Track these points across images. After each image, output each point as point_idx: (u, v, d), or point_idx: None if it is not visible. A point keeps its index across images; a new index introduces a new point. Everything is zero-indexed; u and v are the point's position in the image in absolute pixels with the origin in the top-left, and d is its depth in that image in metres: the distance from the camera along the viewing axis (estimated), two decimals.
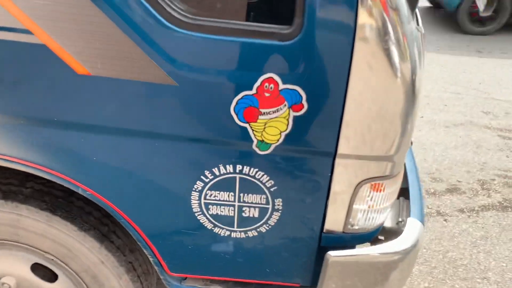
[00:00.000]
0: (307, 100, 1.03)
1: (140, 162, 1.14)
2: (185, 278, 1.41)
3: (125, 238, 1.47)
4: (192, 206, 1.20)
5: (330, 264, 1.20)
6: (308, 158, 1.11)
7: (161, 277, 1.40)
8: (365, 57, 0.99)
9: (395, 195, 1.30)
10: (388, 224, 1.45)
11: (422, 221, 1.35)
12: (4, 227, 1.36)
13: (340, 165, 1.12)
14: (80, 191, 1.20)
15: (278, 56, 0.99)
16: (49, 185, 1.39)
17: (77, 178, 1.18)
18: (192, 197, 1.18)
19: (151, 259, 1.34)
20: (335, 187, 1.15)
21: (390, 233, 1.41)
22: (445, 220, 2.73)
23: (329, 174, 1.13)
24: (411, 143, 2.00)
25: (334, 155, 1.11)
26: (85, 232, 1.37)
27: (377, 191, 1.19)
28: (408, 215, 1.38)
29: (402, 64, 1.02)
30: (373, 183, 1.17)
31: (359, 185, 1.16)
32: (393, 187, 1.23)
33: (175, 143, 1.10)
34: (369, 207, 1.21)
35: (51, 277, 1.47)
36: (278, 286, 1.39)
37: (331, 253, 1.19)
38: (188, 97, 1.04)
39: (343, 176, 1.14)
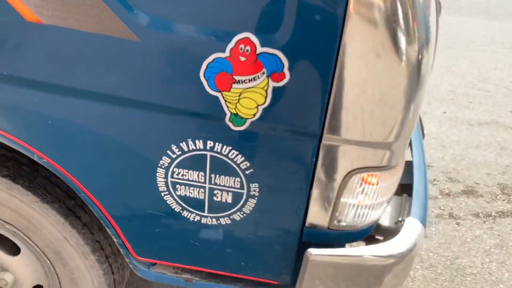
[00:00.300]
0: (290, 69, 0.86)
1: (99, 129, 1.00)
2: (154, 264, 1.28)
3: (94, 215, 1.35)
4: (158, 185, 1.06)
5: (310, 263, 1.04)
6: (289, 138, 0.95)
7: (127, 260, 1.27)
8: (361, 24, 0.81)
9: (392, 190, 1.13)
10: (386, 222, 1.28)
11: (424, 222, 1.17)
12: None
13: (326, 149, 0.95)
14: (35, 158, 1.07)
15: (256, 11, 0.83)
16: (14, 151, 1.27)
17: (32, 144, 1.05)
18: (157, 174, 1.04)
19: (115, 240, 1.21)
20: (320, 175, 0.99)
21: (388, 233, 1.24)
22: (458, 223, 2.52)
23: (313, 160, 0.97)
24: (423, 135, 1.81)
25: (319, 138, 0.94)
26: (47, 205, 1.24)
27: (370, 184, 1.02)
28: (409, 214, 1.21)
29: (407, 38, 0.84)
30: (366, 174, 1.00)
31: (348, 175, 0.99)
32: (390, 180, 1.06)
33: (137, 110, 0.95)
34: (360, 201, 1.05)
35: (14, 250, 1.36)
36: (256, 282, 1.24)
37: (312, 251, 1.03)
38: (151, 55, 0.89)
39: (330, 163, 0.97)
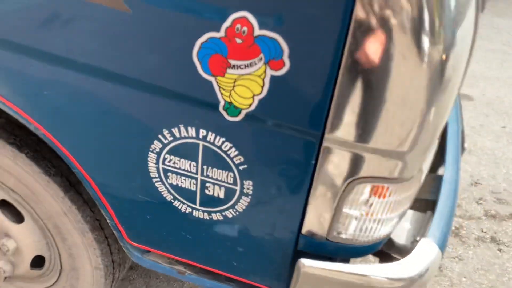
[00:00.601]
0: (290, 57, 0.76)
1: (91, 103, 0.95)
2: (148, 252, 1.23)
3: None
4: (150, 170, 1.00)
5: (302, 274, 0.94)
6: (287, 135, 0.85)
7: (121, 244, 1.23)
8: (375, 7, 0.70)
9: (405, 206, 1.00)
10: (402, 240, 1.15)
11: (442, 245, 1.03)
12: None
13: (327, 152, 0.84)
14: (32, 128, 1.05)
15: None
16: None
17: (29, 113, 1.02)
18: (149, 158, 0.98)
19: (108, 222, 1.17)
20: (319, 179, 0.88)
21: (403, 252, 1.12)
22: (500, 250, 2.29)
23: (313, 162, 0.87)
24: (463, 149, 1.63)
25: (320, 138, 0.83)
26: (49, 177, 1.23)
27: (377, 196, 0.90)
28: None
29: (428, 32, 0.71)
30: (372, 184, 0.88)
31: (352, 183, 0.88)
32: (402, 195, 0.93)
33: (128, 87, 0.89)
34: (364, 214, 0.93)
35: (19, 218, 1.37)
36: (249, 285, 1.16)
37: (304, 262, 0.93)
38: (142, 29, 0.82)
39: (331, 168, 0.86)
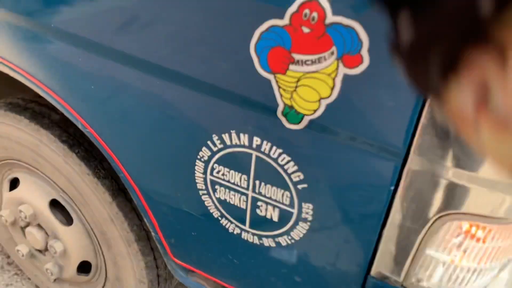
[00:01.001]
0: (370, 51, 0.60)
1: (137, 101, 0.85)
2: (193, 272, 1.11)
3: None
4: (196, 181, 0.87)
5: None
6: (360, 152, 0.68)
7: (164, 259, 1.12)
8: None
9: (510, 254, 0.77)
10: None
11: None
12: (26, 149, 1.23)
13: (411, 176, 0.66)
14: (80, 126, 0.97)
15: None
16: None
17: (77, 109, 0.95)
18: (196, 167, 0.85)
19: (152, 234, 1.06)
20: (398, 210, 0.70)
21: None
22: None
23: (391, 188, 0.68)
24: None
25: (403, 159, 0.65)
26: (98, 180, 1.15)
27: (474, 238, 0.70)
28: None
29: None
30: (468, 222, 0.68)
31: (442, 218, 0.68)
32: (507, 240, 0.71)
33: (174, 84, 0.78)
34: (454, 260, 0.72)
35: (67, 221, 1.32)
36: None
37: None
38: (193, 17, 0.70)
39: (415, 197, 0.67)
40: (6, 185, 1.42)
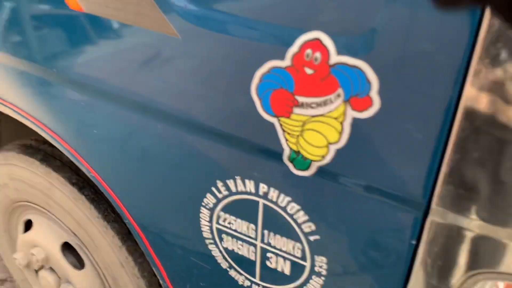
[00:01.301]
0: (380, 93, 0.54)
1: (141, 147, 0.81)
2: None
3: None
4: (202, 229, 0.82)
5: None
6: (375, 202, 0.61)
7: None
8: None
9: None
10: None
11: None
12: (38, 192, 1.22)
13: (435, 230, 0.58)
14: (84, 170, 0.94)
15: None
16: None
17: (81, 154, 0.92)
18: (201, 215, 0.80)
19: (161, 283, 1.01)
20: (421, 267, 0.62)
21: None
22: None
23: (412, 242, 0.61)
24: None
25: (425, 210, 0.58)
26: (108, 223, 1.12)
27: None
28: None
29: None
30: (504, 283, 0.59)
31: (472, 278, 0.59)
32: None
33: (175, 128, 0.73)
34: None
35: (79, 263, 1.28)
36: None
37: None
38: (191, 57, 0.66)
39: (440, 253, 0.59)
40: (21, 227, 1.41)
